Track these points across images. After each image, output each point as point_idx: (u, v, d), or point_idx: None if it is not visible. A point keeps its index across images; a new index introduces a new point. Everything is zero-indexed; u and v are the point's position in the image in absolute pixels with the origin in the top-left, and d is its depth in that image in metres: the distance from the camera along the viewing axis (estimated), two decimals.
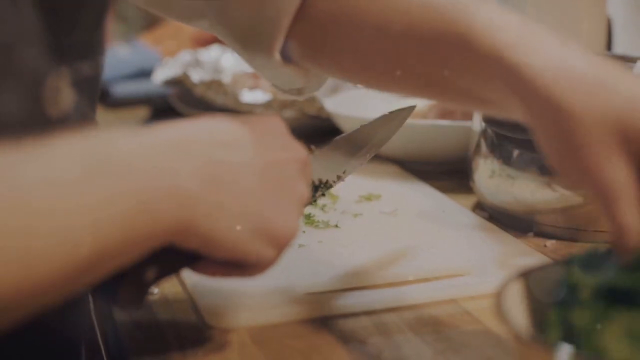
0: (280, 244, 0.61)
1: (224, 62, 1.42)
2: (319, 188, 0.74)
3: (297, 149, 0.65)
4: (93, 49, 0.64)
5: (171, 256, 0.60)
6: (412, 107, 0.82)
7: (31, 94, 0.57)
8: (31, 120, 0.58)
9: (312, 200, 0.74)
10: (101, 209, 0.50)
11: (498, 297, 0.54)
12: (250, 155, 0.61)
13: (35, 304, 0.49)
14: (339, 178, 0.76)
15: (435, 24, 0.68)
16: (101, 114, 1.44)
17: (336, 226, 0.89)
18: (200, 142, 0.58)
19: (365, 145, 0.79)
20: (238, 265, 0.62)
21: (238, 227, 0.58)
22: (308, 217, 0.90)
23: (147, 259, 0.58)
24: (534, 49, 0.61)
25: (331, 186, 0.76)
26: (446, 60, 0.67)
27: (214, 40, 1.64)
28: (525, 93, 0.60)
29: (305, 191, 0.64)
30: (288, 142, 0.65)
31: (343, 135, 0.78)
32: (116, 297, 0.59)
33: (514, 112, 0.63)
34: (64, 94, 0.60)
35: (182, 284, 0.76)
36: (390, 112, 0.81)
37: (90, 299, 0.90)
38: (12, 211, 0.46)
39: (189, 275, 0.75)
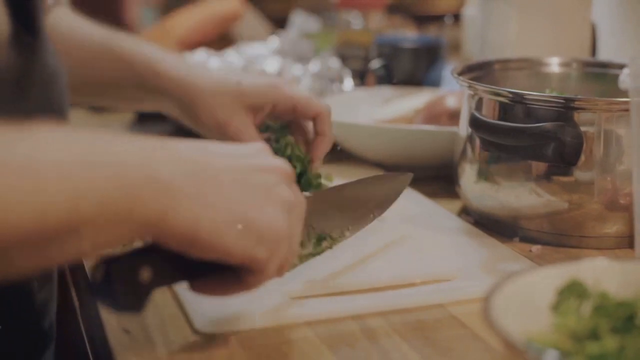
0: (268, 242, 0.62)
1: (210, 65, 1.42)
2: (324, 240, 0.78)
3: (278, 162, 0.67)
4: None
5: (167, 262, 0.60)
6: (410, 175, 0.88)
7: None
8: None
9: (318, 253, 0.76)
10: (80, 180, 0.54)
11: (486, 302, 0.55)
12: (231, 160, 0.63)
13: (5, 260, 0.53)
14: (343, 235, 0.79)
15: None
16: (86, 118, 1.43)
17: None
18: (182, 147, 0.61)
19: (366, 204, 0.83)
20: (236, 279, 0.63)
21: (222, 224, 0.59)
22: None
23: (142, 261, 0.59)
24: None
25: (336, 241, 0.79)
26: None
27: (200, 44, 1.64)
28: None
29: (290, 195, 0.65)
30: (268, 156, 0.67)
31: (336, 186, 0.81)
32: (115, 300, 0.59)
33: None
34: None
35: (171, 288, 0.76)
36: (385, 174, 0.90)
37: (77, 305, 0.90)
38: None
39: None
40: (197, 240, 0.59)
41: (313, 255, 0.77)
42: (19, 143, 0.54)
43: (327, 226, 0.79)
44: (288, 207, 0.64)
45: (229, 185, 0.61)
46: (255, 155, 0.66)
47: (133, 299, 0.60)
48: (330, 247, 0.78)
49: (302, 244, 0.75)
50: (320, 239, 0.78)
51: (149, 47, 0.98)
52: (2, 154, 0.52)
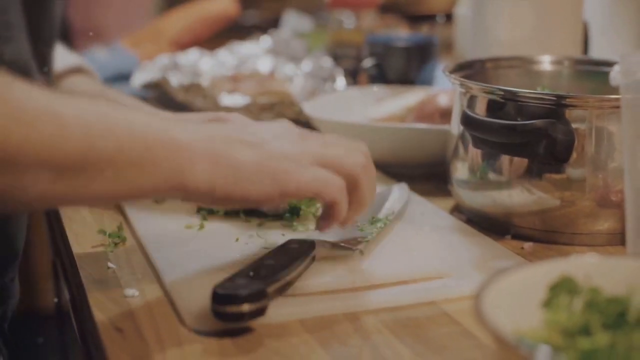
0: (281, 182, 0.70)
1: (203, 65, 1.42)
2: (378, 222, 0.87)
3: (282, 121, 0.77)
4: None
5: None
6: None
7: None
8: None
9: (376, 232, 0.85)
10: (97, 128, 0.61)
11: (477, 299, 0.55)
12: (239, 126, 0.74)
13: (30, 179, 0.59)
14: (391, 215, 0.90)
15: None
16: None
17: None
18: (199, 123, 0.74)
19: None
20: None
21: (235, 178, 0.68)
22: (287, 221, 0.91)
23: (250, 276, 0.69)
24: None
25: (387, 222, 0.88)
26: None
27: (192, 44, 1.64)
28: None
29: (308, 146, 0.73)
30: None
31: None
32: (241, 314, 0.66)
33: None
34: None
35: (163, 286, 0.76)
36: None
37: (70, 304, 0.90)
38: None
39: (168, 278, 0.75)
40: (216, 195, 0.68)
41: (372, 235, 0.84)
42: (38, 92, 0.60)
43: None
44: (296, 137, 0.73)
45: (239, 148, 0.69)
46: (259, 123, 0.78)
47: (254, 308, 0.67)
48: (385, 227, 0.87)
49: (362, 229, 0.85)
50: (374, 222, 0.87)
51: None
52: (10, 93, 0.58)
